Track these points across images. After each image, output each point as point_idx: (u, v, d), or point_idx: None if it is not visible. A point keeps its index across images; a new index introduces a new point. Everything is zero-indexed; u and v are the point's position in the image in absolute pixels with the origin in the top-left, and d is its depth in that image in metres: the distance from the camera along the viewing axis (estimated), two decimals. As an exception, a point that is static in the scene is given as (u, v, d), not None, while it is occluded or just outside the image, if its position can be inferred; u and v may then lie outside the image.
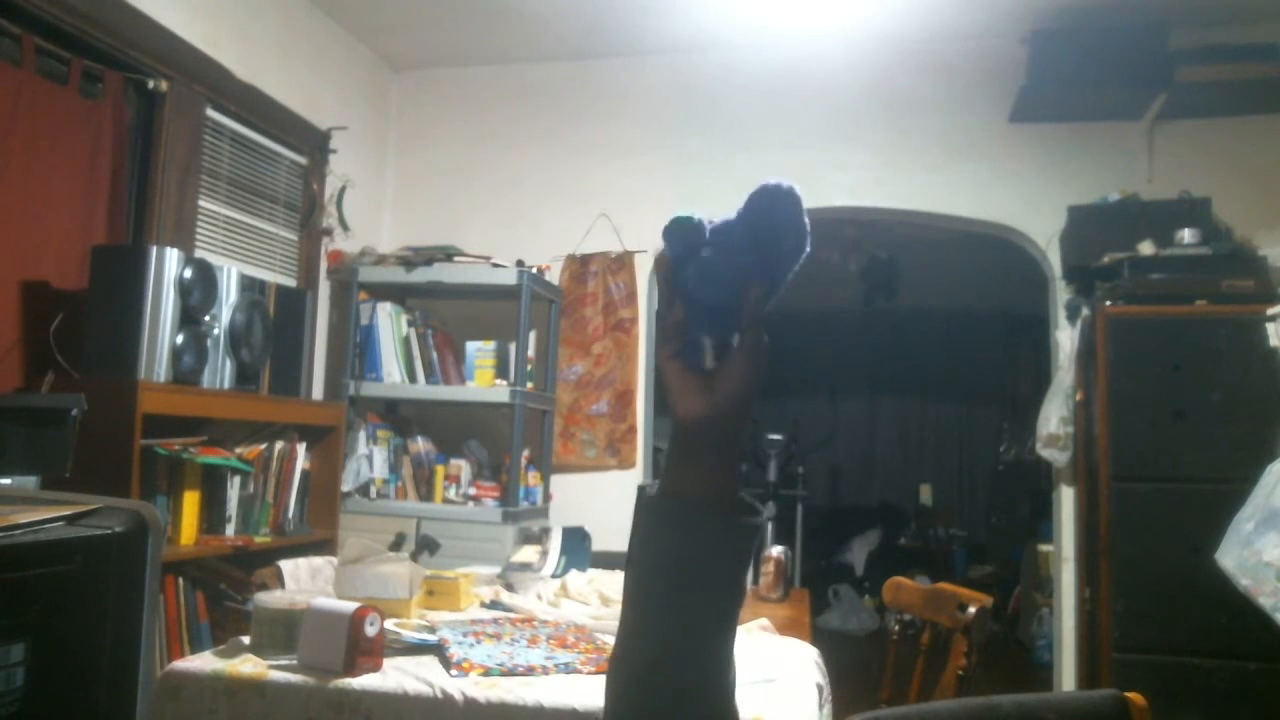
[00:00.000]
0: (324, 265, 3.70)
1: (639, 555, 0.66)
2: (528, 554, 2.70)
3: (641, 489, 0.66)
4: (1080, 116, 3.55)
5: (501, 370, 3.50)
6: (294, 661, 1.63)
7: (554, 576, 2.55)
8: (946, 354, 7.64)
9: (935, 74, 3.72)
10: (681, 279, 0.63)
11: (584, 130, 4.02)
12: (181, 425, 2.48)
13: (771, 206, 0.61)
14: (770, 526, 5.55)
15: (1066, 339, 3.45)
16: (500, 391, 3.43)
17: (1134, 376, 3.03)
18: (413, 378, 3.55)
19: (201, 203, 3.04)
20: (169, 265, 2.39)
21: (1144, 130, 3.53)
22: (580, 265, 3.93)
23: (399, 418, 3.77)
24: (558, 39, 3.84)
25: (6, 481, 1.91)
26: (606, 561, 2.63)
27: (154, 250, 2.39)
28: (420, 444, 3.60)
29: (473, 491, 3.47)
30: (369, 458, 3.46)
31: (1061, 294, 3.59)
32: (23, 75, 2.40)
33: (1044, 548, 4.76)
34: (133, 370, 2.32)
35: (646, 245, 3.89)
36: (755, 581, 2.71)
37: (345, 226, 3.77)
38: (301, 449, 2.92)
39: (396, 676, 1.58)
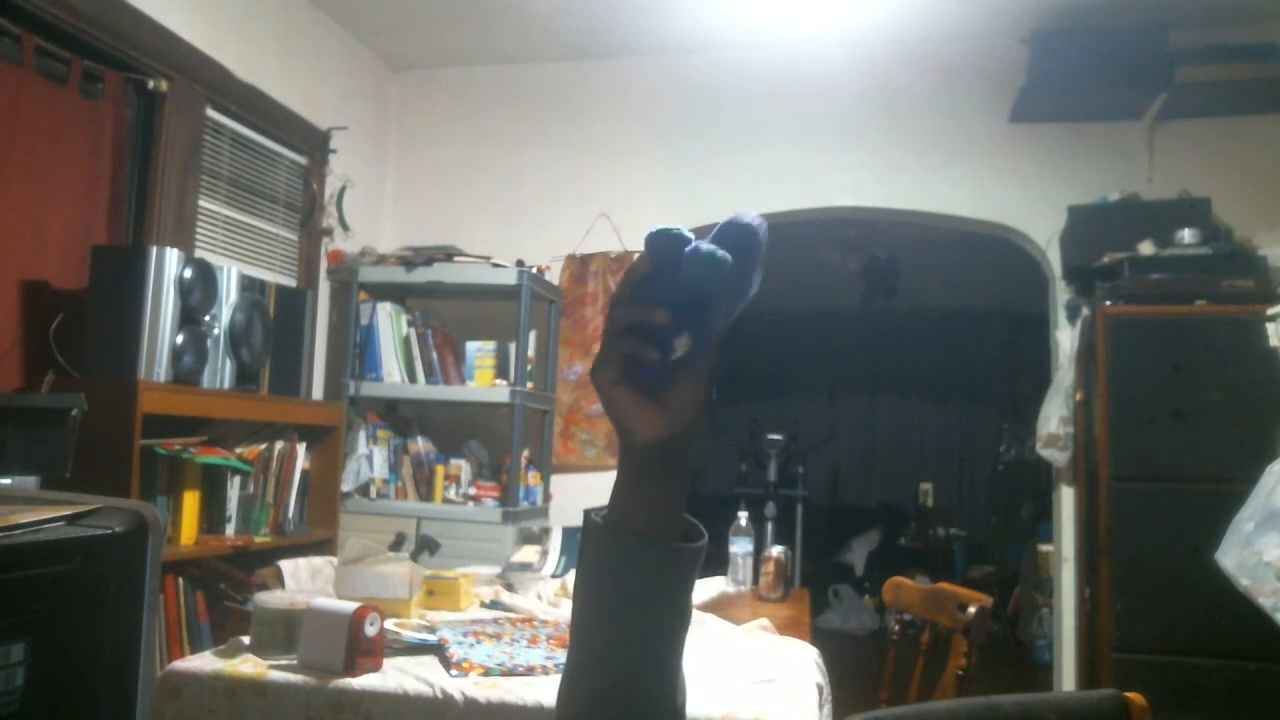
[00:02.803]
0: (324, 265, 3.70)
1: (590, 584, 0.66)
2: (528, 554, 2.70)
3: (588, 515, 0.66)
4: (1080, 116, 3.55)
5: (501, 370, 3.50)
6: (294, 661, 1.63)
7: (554, 576, 2.55)
8: (946, 354, 7.64)
9: (935, 74, 3.72)
10: (657, 285, 0.59)
11: (584, 130, 4.02)
12: (181, 425, 2.48)
13: (747, 241, 0.60)
14: (770, 526, 5.55)
15: (1066, 339, 3.45)
16: (500, 391, 3.43)
17: (1134, 376, 3.02)
18: (413, 378, 3.55)
19: (201, 203, 3.04)
20: (169, 265, 2.39)
21: (1144, 130, 3.53)
22: (580, 265, 3.93)
23: (399, 418, 3.77)
24: (558, 39, 3.84)
25: (6, 481, 1.91)
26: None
27: (154, 250, 2.39)
28: (420, 444, 3.60)
29: (473, 491, 3.47)
30: (369, 458, 3.46)
31: (1061, 294, 3.59)
32: (23, 75, 2.40)
33: (1044, 548, 4.77)
34: (133, 370, 2.32)
35: (646, 245, 3.89)
36: (755, 581, 2.71)
37: (345, 226, 3.77)
38: (301, 449, 2.92)
39: (396, 676, 1.58)
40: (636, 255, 0.61)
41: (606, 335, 0.61)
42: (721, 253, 0.58)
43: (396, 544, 2.63)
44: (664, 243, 0.58)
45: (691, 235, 0.59)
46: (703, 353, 0.60)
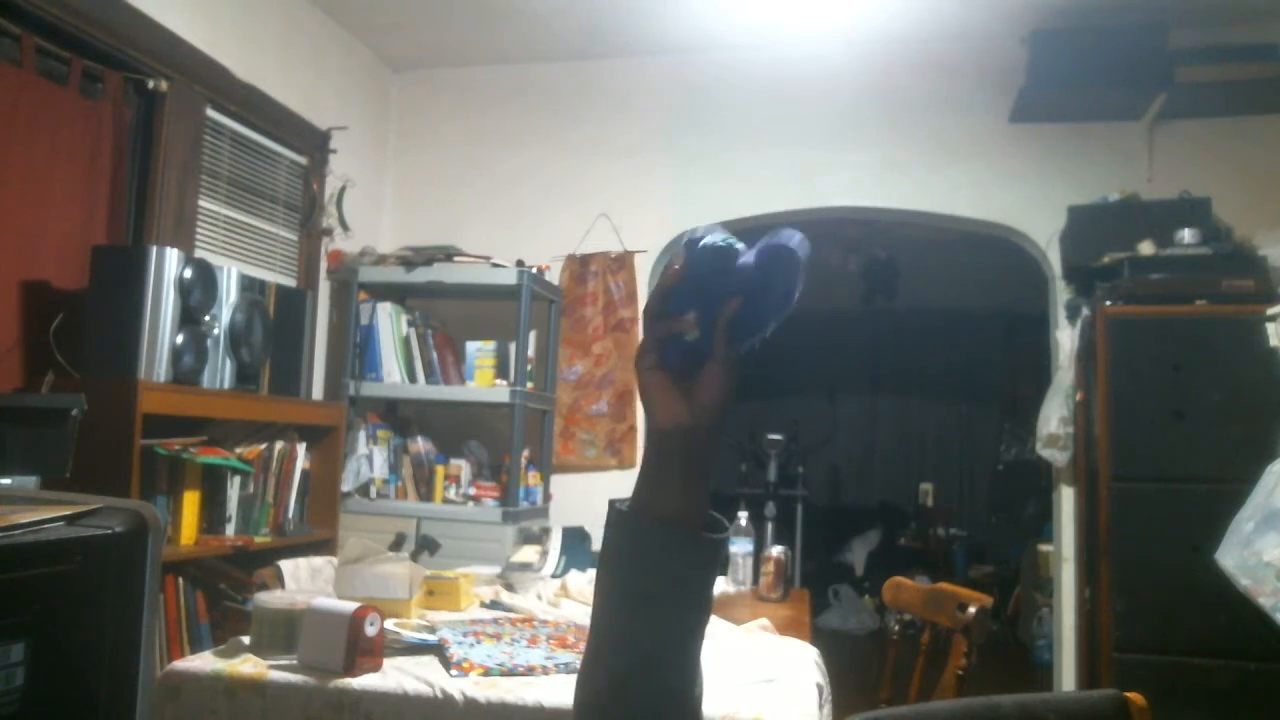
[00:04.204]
0: (324, 265, 3.70)
1: (611, 570, 0.67)
2: (528, 554, 2.70)
3: (613, 504, 0.67)
4: (1080, 116, 3.55)
5: (501, 370, 3.50)
6: (294, 661, 1.63)
7: (554, 576, 2.55)
8: (946, 354, 7.64)
9: (935, 74, 3.72)
10: (695, 289, 0.64)
11: (584, 130, 4.02)
12: (181, 425, 2.48)
13: (779, 267, 0.64)
14: (770, 526, 5.55)
15: (1066, 339, 3.45)
16: (500, 391, 3.43)
17: (1134, 376, 3.02)
18: (413, 378, 3.55)
19: (201, 203, 3.04)
20: (169, 265, 2.39)
21: (1144, 130, 3.53)
22: (580, 265, 3.93)
23: (399, 418, 3.77)
24: (558, 39, 3.84)
25: (6, 481, 1.91)
26: (606, 561, 2.63)
27: (154, 250, 2.39)
28: (420, 444, 3.60)
29: (473, 491, 3.47)
30: (369, 458, 3.46)
31: (1061, 294, 3.59)
32: (23, 75, 2.40)
33: (1044, 548, 4.76)
34: (133, 370, 2.32)
35: (646, 245, 3.89)
36: (755, 581, 2.71)
37: (345, 226, 3.77)
38: (301, 449, 2.92)
39: (396, 676, 1.58)
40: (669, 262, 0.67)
41: (644, 323, 0.66)
42: (729, 242, 0.63)
43: (396, 544, 2.63)
44: (700, 253, 0.64)
45: (726, 243, 0.64)
46: (709, 337, 0.64)
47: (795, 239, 0.63)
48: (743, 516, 2.81)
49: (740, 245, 0.64)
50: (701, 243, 0.63)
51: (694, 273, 0.63)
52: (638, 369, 0.66)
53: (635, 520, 0.66)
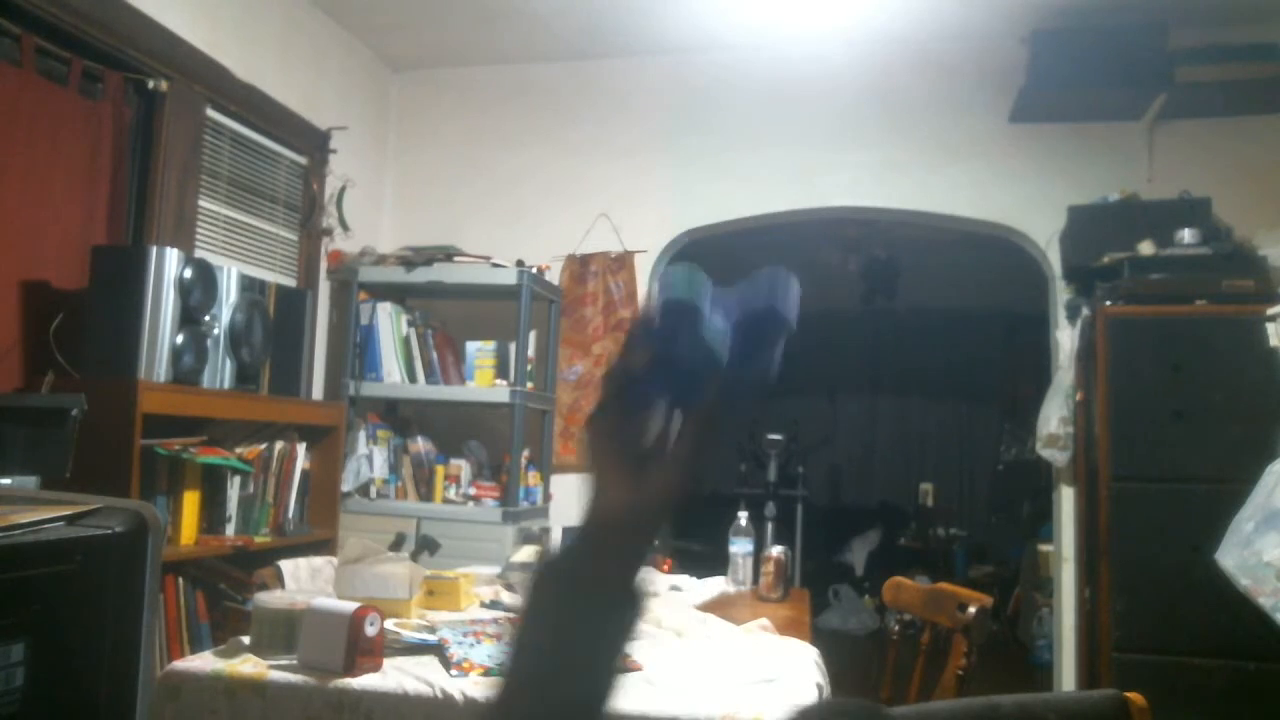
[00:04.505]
0: (324, 265, 3.70)
1: (527, 626, 0.64)
2: (528, 554, 2.70)
3: (540, 561, 0.64)
4: (1080, 116, 3.55)
5: (501, 370, 3.50)
6: (294, 661, 1.62)
7: (554, 576, 2.54)
8: (946, 354, 7.63)
9: (935, 74, 3.72)
10: (663, 340, 0.58)
11: (584, 130, 4.02)
12: (181, 425, 2.48)
13: (774, 298, 0.60)
14: (770, 526, 5.55)
15: (1066, 339, 3.45)
16: (500, 391, 3.43)
17: (1134, 376, 3.02)
18: (413, 378, 3.55)
19: (201, 203, 3.04)
20: (169, 265, 2.39)
21: (1144, 130, 3.53)
22: (580, 265, 3.92)
23: (399, 418, 3.77)
24: (558, 39, 3.84)
25: (6, 481, 1.91)
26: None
27: (154, 250, 2.39)
28: (420, 444, 3.60)
29: (473, 491, 3.47)
30: (369, 458, 3.46)
31: (1061, 294, 3.58)
32: (23, 75, 2.40)
33: (1044, 548, 4.76)
34: (133, 370, 2.32)
35: (646, 245, 3.89)
36: (755, 581, 2.71)
37: (345, 226, 3.77)
38: (301, 449, 2.92)
39: (396, 676, 1.58)
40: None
41: (606, 386, 0.60)
42: (698, 275, 0.58)
43: (396, 544, 2.62)
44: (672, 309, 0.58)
45: (690, 291, 0.58)
46: (676, 389, 0.59)
47: (780, 289, 0.57)
48: (743, 516, 2.80)
49: (703, 295, 0.58)
50: (662, 298, 0.57)
51: (662, 330, 0.58)
52: (590, 442, 0.60)
53: (556, 583, 0.62)
